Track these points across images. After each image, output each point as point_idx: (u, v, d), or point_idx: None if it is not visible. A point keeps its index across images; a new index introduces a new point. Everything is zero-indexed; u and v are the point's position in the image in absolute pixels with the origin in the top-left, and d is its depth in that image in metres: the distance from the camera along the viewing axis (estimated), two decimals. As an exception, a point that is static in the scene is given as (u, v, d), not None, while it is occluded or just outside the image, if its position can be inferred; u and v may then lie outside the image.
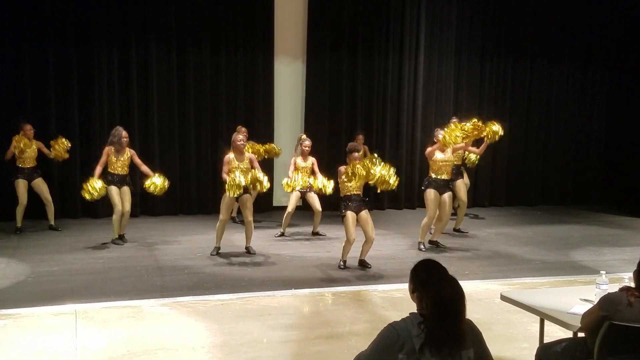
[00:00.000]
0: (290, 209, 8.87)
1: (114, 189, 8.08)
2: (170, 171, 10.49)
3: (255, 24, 10.69)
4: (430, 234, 8.51)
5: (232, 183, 7.23)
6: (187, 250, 8.01)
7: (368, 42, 11.25)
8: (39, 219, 9.26)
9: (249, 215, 7.68)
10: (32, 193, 8.89)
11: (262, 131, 10.78)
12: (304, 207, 9.73)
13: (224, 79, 10.63)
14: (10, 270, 6.93)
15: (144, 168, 8.26)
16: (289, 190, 8.74)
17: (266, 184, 7.41)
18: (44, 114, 9.58)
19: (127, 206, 8.21)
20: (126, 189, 8.19)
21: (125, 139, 8.10)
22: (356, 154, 7.16)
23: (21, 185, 8.71)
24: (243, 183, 7.25)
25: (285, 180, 8.74)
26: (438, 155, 8.03)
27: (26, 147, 8.63)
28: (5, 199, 9.56)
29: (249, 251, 7.86)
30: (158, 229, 9.34)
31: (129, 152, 8.21)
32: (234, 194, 7.30)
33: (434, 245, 8.30)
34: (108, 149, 8.08)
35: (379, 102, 11.43)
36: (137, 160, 8.28)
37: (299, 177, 8.62)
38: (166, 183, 8.18)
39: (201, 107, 10.57)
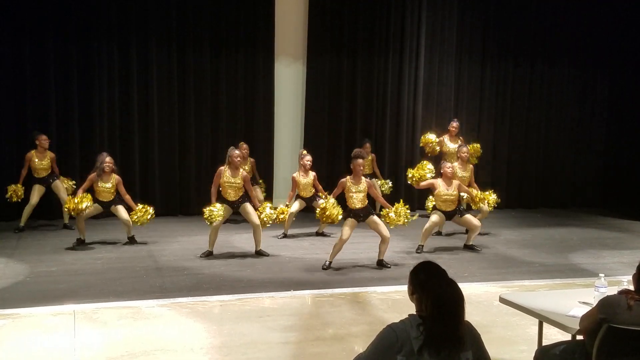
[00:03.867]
0: (293, 209, 8.88)
1: (96, 206, 7.99)
2: (170, 172, 10.54)
3: (256, 25, 10.70)
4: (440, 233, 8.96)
5: (209, 214, 7.43)
6: (187, 251, 8.00)
7: (368, 43, 11.25)
8: (38, 219, 9.25)
9: (255, 220, 7.66)
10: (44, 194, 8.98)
11: (262, 132, 10.80)
12: (304, 209, 9.71)
13: (224, 79, 10.64)
14: (9, 270, 6.93)
15: (127, 198, 8.19)
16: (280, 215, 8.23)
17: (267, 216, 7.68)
18: (44, 113, 9.59)
19: (125, 216, 8.09)
20: (118, 207, 8.10)
21: (107, 165, 7.94)
22: (360, 161, 7.27)
23: (37, 189, 8.79)
24: (221, 214, 7.47)
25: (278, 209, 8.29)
26: (442, 189, 8.07)
27: (39, 160, 8.77)
28: (2, 198, 9.58)
29: (260, 254, 7.81)
30: (157, 230, 9.31)
31: (114, 180, 8.07)
32: (210, 224, 7.51)
33: (470, 249, 8.33)
34: (92, 176, 7.97)
35: (379, 103, 11.43)
36: (122, 189, 8.16)
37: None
38: (148, 215, 8.05)
39: (201, 108, 10.57)
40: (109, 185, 8.01)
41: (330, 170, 10.74)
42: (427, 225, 8.16)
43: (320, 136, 10.86)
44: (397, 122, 11.57)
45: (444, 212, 8.14)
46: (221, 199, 7.66)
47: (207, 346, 4.84)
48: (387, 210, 7.42)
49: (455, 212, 8.15)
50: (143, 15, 10.11)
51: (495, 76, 12.18)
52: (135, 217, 8.00)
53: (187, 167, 10.64)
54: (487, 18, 11.94)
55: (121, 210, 8.10)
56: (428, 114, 11.69)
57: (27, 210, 8.83)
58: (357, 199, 7.21)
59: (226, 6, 10.52)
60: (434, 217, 8.12)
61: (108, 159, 8.01)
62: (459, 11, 11.75)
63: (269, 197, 10.96)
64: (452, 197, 8.08)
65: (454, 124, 10.13)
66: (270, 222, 7.79)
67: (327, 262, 7.28)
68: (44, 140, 8.77)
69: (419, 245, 8.21)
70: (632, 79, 12.56)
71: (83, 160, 9.61)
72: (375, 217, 7.25)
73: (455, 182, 8.18)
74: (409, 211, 7.47)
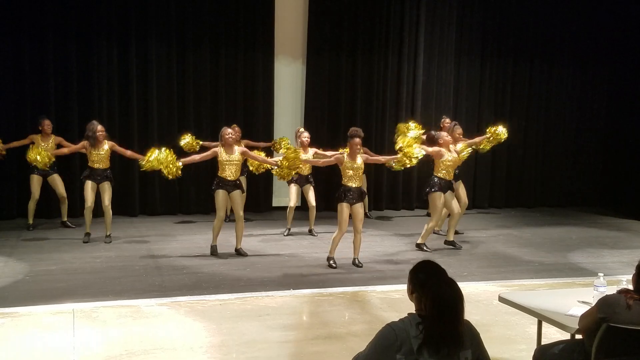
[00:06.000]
0: (292, 203, 8.90)
1: (89, 184, 8.03)
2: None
3: (256, 24, 10.70)
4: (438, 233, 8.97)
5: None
6: (186, 249, 8.01)
7: (368, 42, 11.26)
8: (37, 218, 9.24)
9: (240, 211, 7.61)
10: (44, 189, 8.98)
11: (262, 131, 10.80)
12: (303, 207, 9.71)
13: (224, 78, 10.64)
14: (8, 269, 6.93)
15: (129, 153, 8.24)
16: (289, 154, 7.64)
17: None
18: (44, 112, 9.56)
19: (106, 201, 8.11)
20: (106, 185, 8.13)
21: (100, 133, 8.03)
22: (357, 139, 7.16)
23: (35, 179, 8.77)
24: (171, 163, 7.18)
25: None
26: (447, 155, 8.07)
27: (44, 144, 8.69)
28: (2, 198, 9.58)
29: (239, 253, 7.74)
30: (157, 229, 9.34)
31: (107, 145, 8.15)
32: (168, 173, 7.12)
33: (451, 245, 8.35)
34: (85, 144, 8.04)
35: (378, 102, 11.44)
36: (119, 149, 8.18)
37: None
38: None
39: (201, 107, 10.58)
40: (103, 150, 8.08)
41: (330, 169, 10.72)
42: (431, 223, 8.17)
43: (319, 135, 10.84)
44: (397, 122, 11.51)
45: (445, 183, 8.06)
46: (219, 179, 7.57)
47: (206, 345, 4.84)
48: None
49: (452, 182, 8.22)
50: (143, 15, 10.11)
51: (495, 75, 12.20)
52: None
53: (186, 165, 10.59)
54: (486, 17, 11.94)
55: (108, 191, 8.11)
56: (427, 113, 11.69)
57: (31, 207, 8.86)
58: (354, 176, 7.13)
59: (226, 5, 10.51)
60: (438, 211, 8.12)
61: (100, 127, 8.05)
62: (458, 11, 11.76)
63: (268, 195, 10.98)
64: (453, 164, 8.15)
65: (447, 119, 9.88)
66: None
67: (332, 260, 7.29)
68: (47, 125, 8.78)
69: (422, 244, 8.22)
70: (631, 78, 12.56)
71: (82, 159, 9.59)
72: (360, 207, 7.16)
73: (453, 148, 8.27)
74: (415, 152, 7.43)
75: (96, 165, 8.10)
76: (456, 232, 9.24)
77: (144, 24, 10.12)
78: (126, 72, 10.13)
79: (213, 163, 9.96)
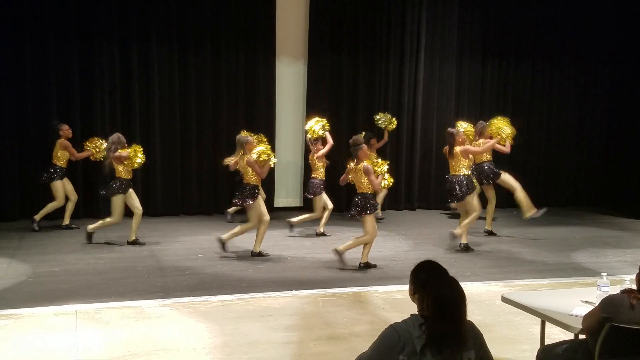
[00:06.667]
0: (330, 206, 9.04)
1: (120, 198, 8.08)
2: (171, 171, 10.54)
3: (257, 24, 10.70)
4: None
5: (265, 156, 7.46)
6: (188, 250, 8.01)
7: (369, 43, 11.26)
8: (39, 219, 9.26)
9: (265, 214, 7.68)
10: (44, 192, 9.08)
11: (263, 132, 10.77)
12: (304, 207, 9.70)
13: (225, 79, 10.64)
14: (11, 270, 6.94)
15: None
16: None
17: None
18: (45, 113, 9.59)
19: (138, 205, 8.26)
20: (131, 192, 8.20)
21: (126, 145, 8.18)
22: (366, 146, 7.29)
23: (60, 185, 8.90)
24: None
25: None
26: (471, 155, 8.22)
27: (62, 148, 8.90)
28: (4, 199, 9.59)
29: (261, 254, 7.75)
30: (159, 230, 9.34)
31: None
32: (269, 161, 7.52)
33: (463, 249, 8.28)
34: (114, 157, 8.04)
35: (380, 103, 11.42)
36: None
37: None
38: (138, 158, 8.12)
39: (202, 108, 10.58)
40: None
41: (330, 171, 10.73)
42: (469, 219, 8.11)
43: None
44: (398, 121, 11.53)
45: (471, 180, 8.19)
46: (257, 188, 7.64)
47: (209, 346, 4.85)
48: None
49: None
50: (144, 15, 10.11)
51: (496, 75, 12.17)
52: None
53: (188, 166, 10.63)
54: (487, 17, 11.93)
55: (134, 195, 8.26)
56: (428, 114, 11.69)
57: (51, 207, 8.94)
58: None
59: (227, 5, 10.52)
60: (475, 208, 8.13)
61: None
62: (459, 10, 11.75)
63: (269, 197, 10.96)
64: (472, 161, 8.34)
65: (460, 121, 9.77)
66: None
67: (364, 263, 7.27)
68: (67, 130, 8.91)
69: (463, 243, 8.19)
70: (633, 77, 12.54)
71: (84, 160, 9.60)
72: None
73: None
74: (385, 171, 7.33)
75: (124, 176, 8.12)
76: (492, 233, 9.37)
77: (144, 25, 10.11)
78: (127, 73, 10.13)
79: (216, 165, 9.97)
